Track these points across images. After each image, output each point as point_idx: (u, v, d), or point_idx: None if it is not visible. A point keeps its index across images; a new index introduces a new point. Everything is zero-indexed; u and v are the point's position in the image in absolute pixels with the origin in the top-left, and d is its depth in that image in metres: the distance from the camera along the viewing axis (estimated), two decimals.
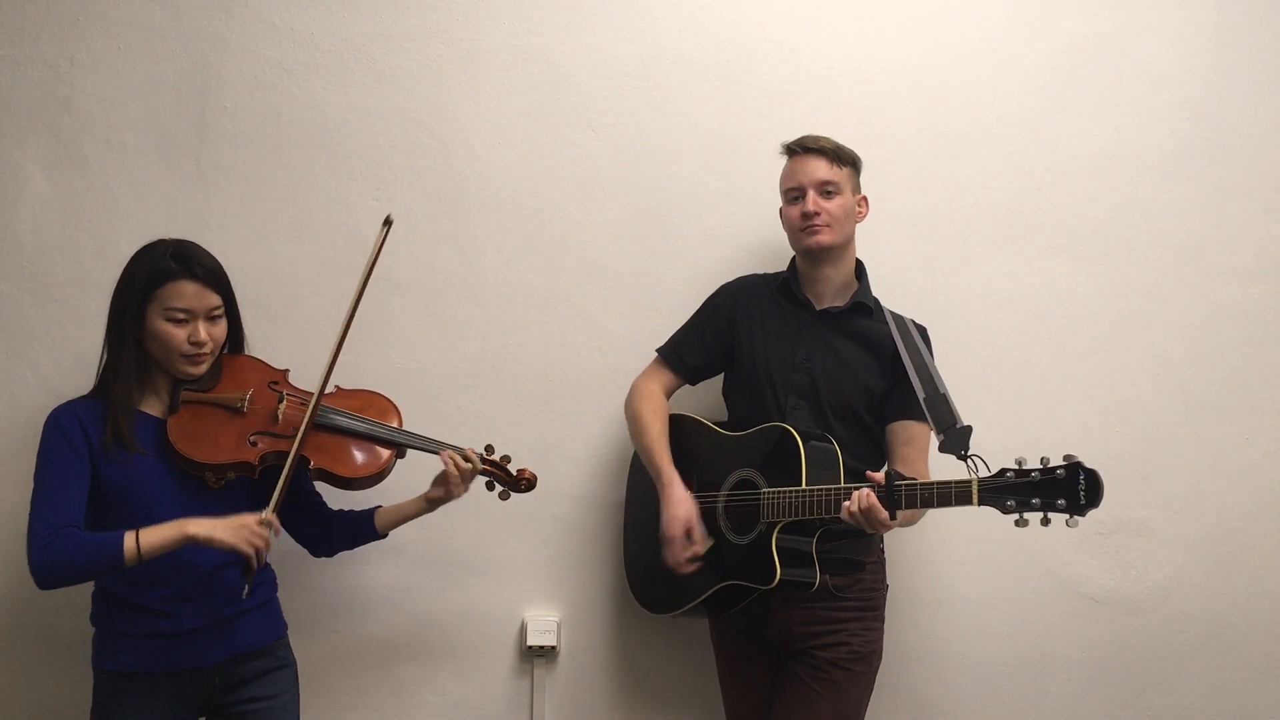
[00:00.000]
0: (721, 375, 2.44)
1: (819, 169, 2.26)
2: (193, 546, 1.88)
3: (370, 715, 2.48)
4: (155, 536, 1.84)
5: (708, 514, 2.25)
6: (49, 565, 1.83)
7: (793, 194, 2.29)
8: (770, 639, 2.25)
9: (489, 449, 2.20)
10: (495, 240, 2.58)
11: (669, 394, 2.40)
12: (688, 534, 2.17)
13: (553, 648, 2.52)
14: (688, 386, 2.44)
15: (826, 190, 2.25)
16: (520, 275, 2.58)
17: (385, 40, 2.57)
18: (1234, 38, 2.70)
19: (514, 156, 2.59)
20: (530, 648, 2.51)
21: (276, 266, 2.49)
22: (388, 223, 2.11)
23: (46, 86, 2.50)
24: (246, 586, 1.89)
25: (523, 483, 2.21)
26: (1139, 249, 2.67)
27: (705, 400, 2.47)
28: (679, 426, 2.36)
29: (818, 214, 2.23)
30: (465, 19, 2.59)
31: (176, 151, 2.52)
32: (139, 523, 1.88)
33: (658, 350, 2.42)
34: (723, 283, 2.44)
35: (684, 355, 2.39)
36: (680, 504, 2.19)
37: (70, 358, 2.46)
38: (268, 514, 1.89)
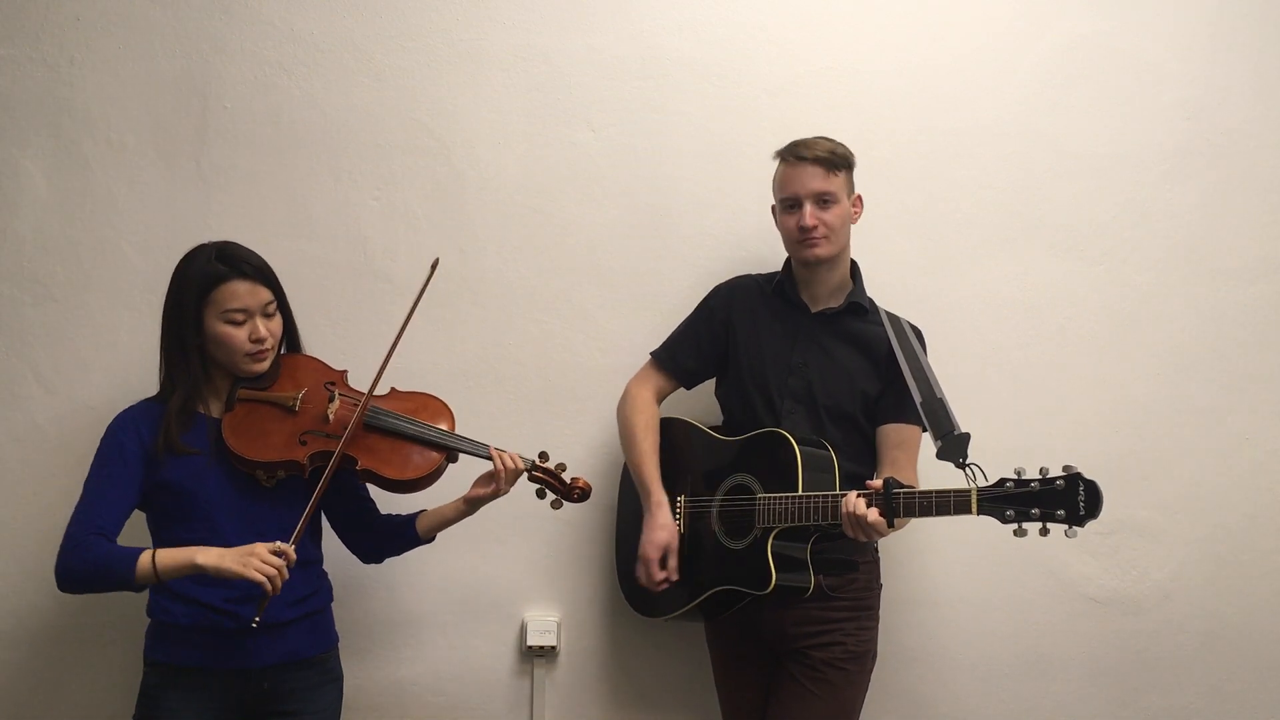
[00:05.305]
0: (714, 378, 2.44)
1: (815, 179, 2.21)
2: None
3: (370, 715, 2.48)
4: (168, 561, 1.87)
5: (702, 518, 2.25)
6: (67, 569, 1.89)
7: (788, 204, 2.25)
8: (765, 639, 2.25)
9: (543, 456, 2.18)
10: (495, 240, 2.58)
11: (663, 398, 2.40)
12: (663, 560, 2.20)
13: (553, 648, 2.52)
14: (681, 389, 2.43)
15: (823, 201, 2.21)
16: (520, 275, 2.58)
17: (385, 40, 2.57)
18: (1234, 38, 2.70)
19: (514, 156, 2.59)
20: (530, 648, 2.51)
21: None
22: (435, 265, 2.12)
23: (46, 86, 2.50)
24: (257, 616, 1.87)
25: (575, 492, 2.18)
26: (1139, 249, 2.67)
27: (699, 403, 2.47)
28: (672, 431, 2.36)
29: (816, 227, 2.21)
30: (465, 19, 2.59)
31: (176, 151, 2.52)
32: (199, 521, 1.97)
33: (652, 354, 2.42)
34: (718, 283, 2.44)
35: (679, 359, 2.39)
36: (663, 529, 2.22)
37: (70, 358, 2.47)
38: (283, 544, 1.88)
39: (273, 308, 2.05)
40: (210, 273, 1.99)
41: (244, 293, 2.00)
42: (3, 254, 2.47)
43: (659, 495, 2.25)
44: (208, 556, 1.85)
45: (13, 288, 2.47)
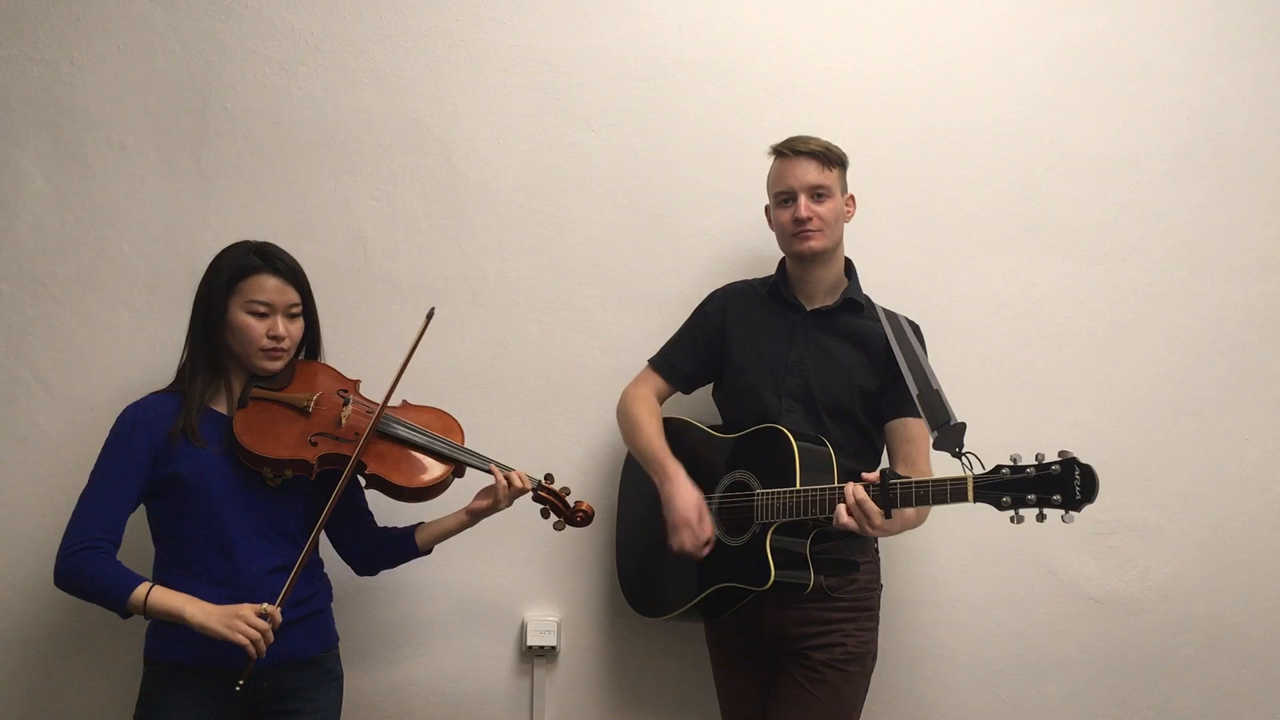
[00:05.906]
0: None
1: (809, 172, 2.23)
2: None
3: (370, 715, 2.48)
4: (161, 602, 1.89)
5: None
6: (66, 574, 1.92)
7: (782, 197, 2.26)
8: (765, 640, 2.25)
9: (549, 478, 2.20)
10: (495, 240, 2.58)
11: (661, 401, 2.40)
12: (699, 519, 2.15)
13: (553, 648, 2.52)
14: (678, 394, 2.43)
15: (817, 194, 2.23)
16: (520, 275, 2.58)
17: (385, 40, 2.57)
18: (1234, 38, 2.70)
19: (514, 156, 2.59)
20: (530, 648, 2.51)
21: None
22: (430, 315, 2.11)
23: (46, 86, 2.50)
24: (241, 682, 1.87)
25: (579, 515, 2.19)
26: (1139, 249, 2.67)
27: (697, 404, 2.47)
28: (671, 429, 2.35)
29: (810, 219, 2.22)
30: (465, 19, 2.59)
31: (176, 151, 2.52)
32: (202, 517, 1.98)
33: (649, 360, 2.42)
34: (716, 286, 2.43)
35: (676, 364, 2.39)
36: (689, 492, 2.18)
37: (70, 358, 2.47)
38: (269, 606, 1.89)
39: (297, 310, 2.07)
40: (244, 263, 2.03)
41: (271, 288, 2.02)
42: (3, 254, 2.47)
43: (673, 466, 2.22)
44: (195, 611, 1.87)
45: (13, 288, 2.47)
